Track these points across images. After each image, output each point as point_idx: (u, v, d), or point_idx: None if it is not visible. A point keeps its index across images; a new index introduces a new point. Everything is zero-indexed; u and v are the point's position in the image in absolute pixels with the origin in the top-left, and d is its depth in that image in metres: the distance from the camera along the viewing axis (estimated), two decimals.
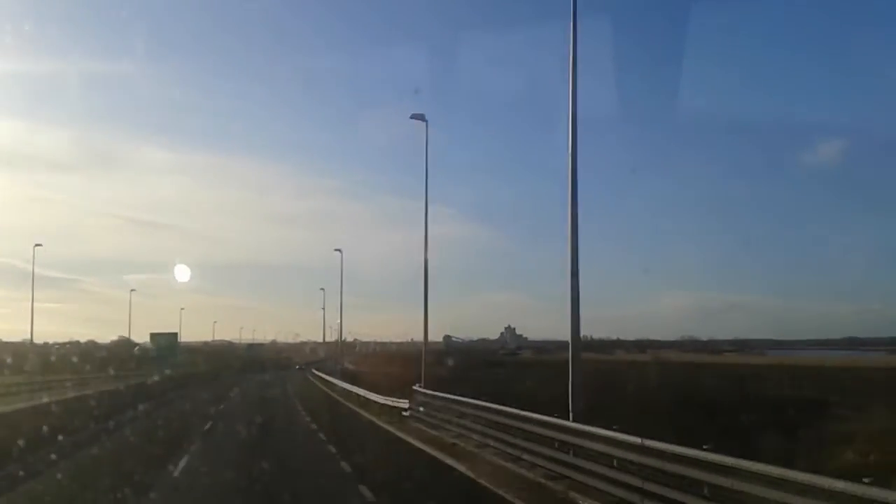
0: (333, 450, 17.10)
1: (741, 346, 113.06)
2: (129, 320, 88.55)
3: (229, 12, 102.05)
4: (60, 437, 16.13)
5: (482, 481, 13.05)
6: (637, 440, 9.81)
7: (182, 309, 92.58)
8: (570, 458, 12.10)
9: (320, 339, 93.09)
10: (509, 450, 14.88)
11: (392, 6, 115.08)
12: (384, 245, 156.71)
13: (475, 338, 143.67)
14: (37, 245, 62.30)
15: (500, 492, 12.04)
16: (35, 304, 65.88)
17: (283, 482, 12.86)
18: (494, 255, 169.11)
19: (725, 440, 10.33)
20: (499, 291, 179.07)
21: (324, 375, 54.33)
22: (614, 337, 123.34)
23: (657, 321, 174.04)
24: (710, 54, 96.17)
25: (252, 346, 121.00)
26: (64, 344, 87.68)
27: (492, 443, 16.14)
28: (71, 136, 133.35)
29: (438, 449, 17.26)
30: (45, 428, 15.99)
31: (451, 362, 69.00)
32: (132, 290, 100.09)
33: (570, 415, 13.74)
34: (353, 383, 38.42)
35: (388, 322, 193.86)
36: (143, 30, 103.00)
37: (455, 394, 20.51)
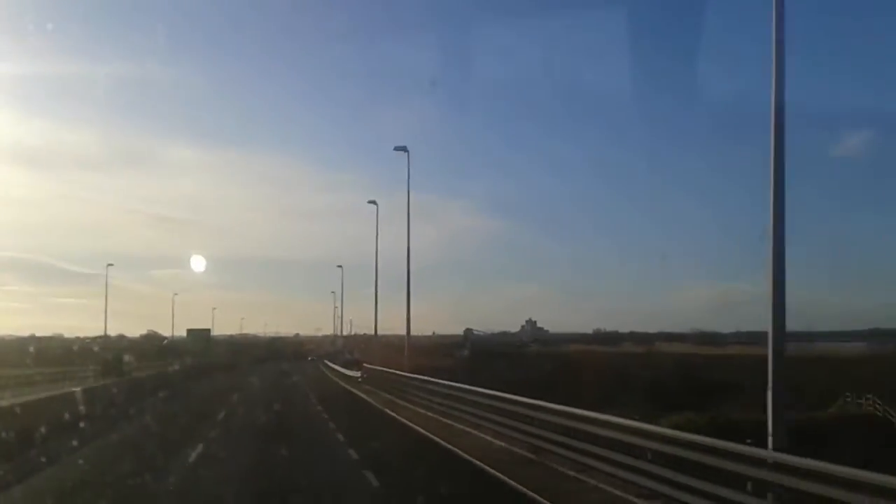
0: (310, 393, 34.49)
1: (754, 338, 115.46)
2: (172, 315, 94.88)
3: (251, 8, 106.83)
4: (82, 424, 17.72)
5: (390, 411, 23.25)
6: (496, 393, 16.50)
7: (214, 309, 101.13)
8: (454, 401, 19.31)
9: (341, 333, 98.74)
10: (423, 401, 22.10)
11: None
12: (404, 240, 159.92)
13: (496, 331, 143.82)
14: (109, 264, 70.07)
15: (403, 419, 21.59)
16: (63, 299, 71.50)
17: (284, 412, 25.03)
18: (518, 248, 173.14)
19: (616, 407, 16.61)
20: (521, 284, 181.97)
21: (329, 363, 67.16)
22: (634, 330, 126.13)
23: (680, 313, 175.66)
24: (736, 39, 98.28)
25: (275, 340, 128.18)
26: (95, 338, 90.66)
27: (409, 398, 23.90)
28: (97, 135, 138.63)
29: (362, 392, 32.19)
30: (66, 415, 17.71)
31: (464, 353, 75.70)
32: (157, 286, 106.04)
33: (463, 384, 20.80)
34: (345, 367, 46.71)
35: (413, 315, 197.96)
36: (166, 27, 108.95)
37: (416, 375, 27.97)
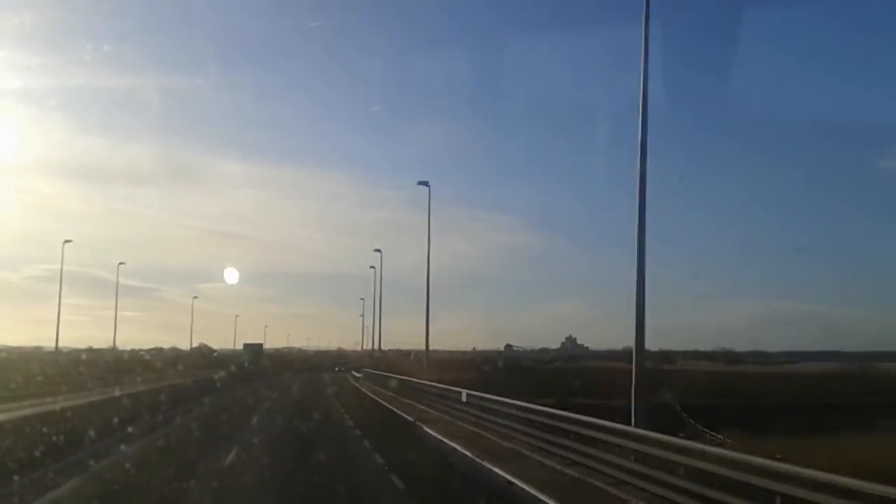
0: (329, 388, 50.83)
1: (792, 357, 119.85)
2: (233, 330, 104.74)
3: (296, 30, 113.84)
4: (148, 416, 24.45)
5: (383, 401, 33.29)
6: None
7: (266, 326, 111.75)
8: (428, 395, 29.05)
9: (380, 348, 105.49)
10: (412, 397, 31.49)
11: (450, 14, 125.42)
12: (449, 255, 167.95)
13: (537, 347, 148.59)
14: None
15: (392, 407, 32.62)
16: (117, 312, 79.73)
17: (309, 395, 40.08)
18: (559, 264, 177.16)
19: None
20: (562, 301, 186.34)
21: (353, 372, 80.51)
22: (676, 348, 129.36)
23: (728, 332, 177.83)
24: (768, 51, 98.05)
25: (318, 353, 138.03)
26: (149, 350, 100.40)
27: (403, 396, 33.53)
28: (149, 151, 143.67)
29: (363, 387, 46.55)
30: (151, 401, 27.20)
31: (499, 365, 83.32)
32: (194, 297, 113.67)
33: (464, 394, 29.75)
34: (357, 372, 58.75)
35: (453, 331, 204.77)
36: (216, 46, 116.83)
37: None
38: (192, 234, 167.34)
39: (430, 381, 36.45)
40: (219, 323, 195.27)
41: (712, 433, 29.17)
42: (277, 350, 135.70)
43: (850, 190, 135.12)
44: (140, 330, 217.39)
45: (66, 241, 67.44)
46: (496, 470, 15.98)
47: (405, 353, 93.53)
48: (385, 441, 21.01)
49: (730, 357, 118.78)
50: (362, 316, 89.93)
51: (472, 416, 24.11)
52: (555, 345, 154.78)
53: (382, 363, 64.11)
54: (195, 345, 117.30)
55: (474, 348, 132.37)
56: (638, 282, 17.22)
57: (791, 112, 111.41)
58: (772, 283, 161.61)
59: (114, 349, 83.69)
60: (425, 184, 41.97)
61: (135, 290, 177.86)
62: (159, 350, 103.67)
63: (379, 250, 62.37)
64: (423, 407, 31.65)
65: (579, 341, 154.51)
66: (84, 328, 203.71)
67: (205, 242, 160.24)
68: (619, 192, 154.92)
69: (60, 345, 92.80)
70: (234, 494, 13.59)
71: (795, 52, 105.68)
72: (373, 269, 64.07)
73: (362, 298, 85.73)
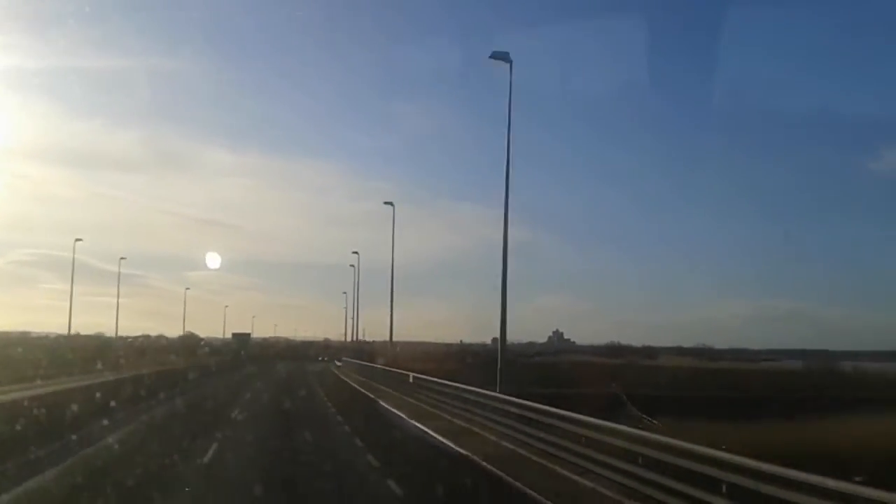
0: (310, 374, 54.88)
1: (776, 355, 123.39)
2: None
3: (294, 14, 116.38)
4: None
5: (352, 382, 39.99)
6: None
7: (253, 317, 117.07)
8: (390, 377, 34.23)
9: (368, 339, 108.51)
10: (376, 380, 37.41)
11: (439, 3, 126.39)
12: (438, 247, 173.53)
13: (524, 340, 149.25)
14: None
15: (357, 386, 39.90)
16: (102, 298, 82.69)
17: (292, 377, 48.50)
18: (547, 258, 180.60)
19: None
20: (551, 295, 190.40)
21: (335, 361, 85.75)
22: (672, 344, 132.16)
23: (716, 329, 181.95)
24: (765, 45, 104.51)
25: (305, 344, 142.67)
26: (136, 337, 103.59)
27: (369, 379, 39.16)
28: (138, 137, 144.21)
29: (338, 371, 51.68)
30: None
31: (469, 360, 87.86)
32: (187, 288, 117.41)
33: (411, 375, 35.30)
34: (337, 361, 70.16)
35: (441, 322, 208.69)
36: (209, 32, 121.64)
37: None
38: (180, 221, 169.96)
39: (400, 369, 42.36)
40: (205, 311, 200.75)
41: (649, 418, 34.32)
42: (265, 339, 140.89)
43: (840, 189, 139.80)
44: (125, 317, 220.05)
45: (77, 240, 71.39)
46: (417, 424, 23.96)
47: (393, 344, 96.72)
48: (344, 406, 29.98)
49: (710, 354, 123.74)
50: (346, 308, 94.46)
51: (416, 392, 32.13)
52: (542, 339, 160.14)
53: (364, 353, 68.79)
54: (181, 333, 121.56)
55: (461, 341, 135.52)
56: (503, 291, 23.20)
57: (781, 109, 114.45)
58: (762, 281, 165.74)
59: (121, 337, 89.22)
60: (390, 204, 47.53)
61: (122, 277, 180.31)
62: (147, 337, 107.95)
63: (356, 252, 68.45)
64: (381, 386, 39.98)
65: (566, 336, 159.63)
66: (66, 314, 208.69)
67: (192, 230, 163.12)
68: (605, 186, 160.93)
69: (49, 330, 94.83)
70: (249, 425, 23.93)
71: (783, 49, 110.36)
72: (357, 261, 68.62)
73: (345, 292, 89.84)
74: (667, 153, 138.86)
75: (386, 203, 47.02)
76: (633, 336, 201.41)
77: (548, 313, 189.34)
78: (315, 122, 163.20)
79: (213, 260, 77.56)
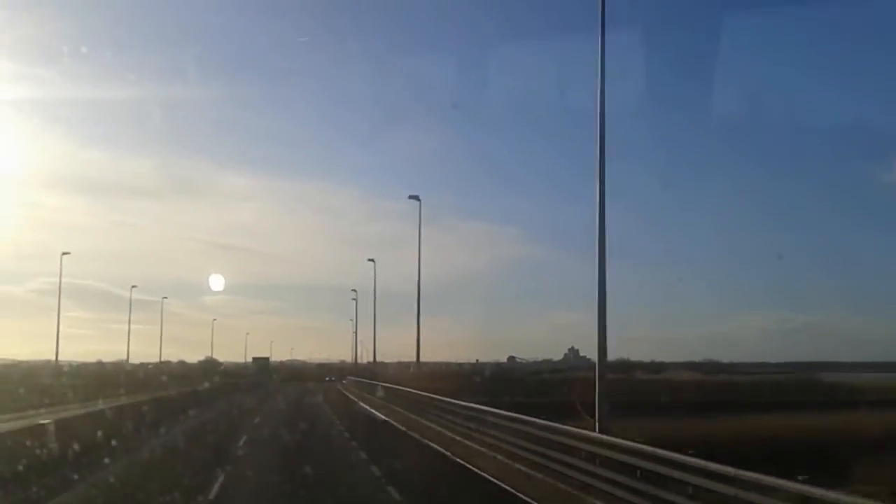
0: (317, 388, 68.83)
1: (786, 368, 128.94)
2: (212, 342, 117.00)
3: (298, 36, 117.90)
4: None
5: (356, 400, 54.74)
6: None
7: (272, 342, 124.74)
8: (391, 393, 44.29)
9: (382, 360, 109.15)
10: (366, 391, 47.18)
11: (443, 18, 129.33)
12: (451, 266, 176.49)
13: (540, 358, 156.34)
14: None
15: (349, 395, 54.09)
16: (121, 325, 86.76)
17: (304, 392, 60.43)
18: (562, 275, 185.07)
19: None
20: (566, 312, 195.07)
21: (342, 381, 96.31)
22: (680, 360, 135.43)
23: (732, 343, 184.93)
24: (769, 55, 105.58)
25: (321, 366, 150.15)
26: (157, 363, 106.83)
27: (365, 392, 48.79)
28: (153, 164, 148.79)
29: (341, 387, 62.11)
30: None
31: (476, 378, 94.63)
32: (214, 319, 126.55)
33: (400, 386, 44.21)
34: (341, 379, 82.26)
35: (456, 342, 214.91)
36: (219, 59, 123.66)
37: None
38: (196, 246, 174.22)
39: (398, 385, 51.91)
40: (222, 335, 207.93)
41: (590, 417, 42.13)
42: (282, 363, 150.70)
43: (852, 200, 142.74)
44: (145, 343, 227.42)
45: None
46: (380, 415, 37.53)
47: (405, 366, 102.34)
48: (336, 406, 45.28)
49: (716, 368, 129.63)
50: (355, 333, 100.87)
51: (388, 398, 45.29)
52: (558, 356, 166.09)
53: (367, 372, 77.05)
54: (201, 358, 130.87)
55: (477, 360, 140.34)
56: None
57: (788, 119, 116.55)
58: (780, 294, 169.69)
59: (142, 364, 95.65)
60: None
61: (139, 304, 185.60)
62: (167, 363, 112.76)
63: (355, 287, 79.16)
64: (367, 395, 54.10)
65: (582, 353, 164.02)
66: (90, 342, 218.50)
67: (208, 255, 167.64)
68: (612, 201, 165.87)
69: (69, 358, 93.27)
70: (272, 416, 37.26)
71: (780, 58, 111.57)
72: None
73: (351, 320, 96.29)
74: (671, 166, 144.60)
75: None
76: (649, 352, 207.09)
77: (564, 330, 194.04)
78: (325, 144, 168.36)
79: (218, 282, 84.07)
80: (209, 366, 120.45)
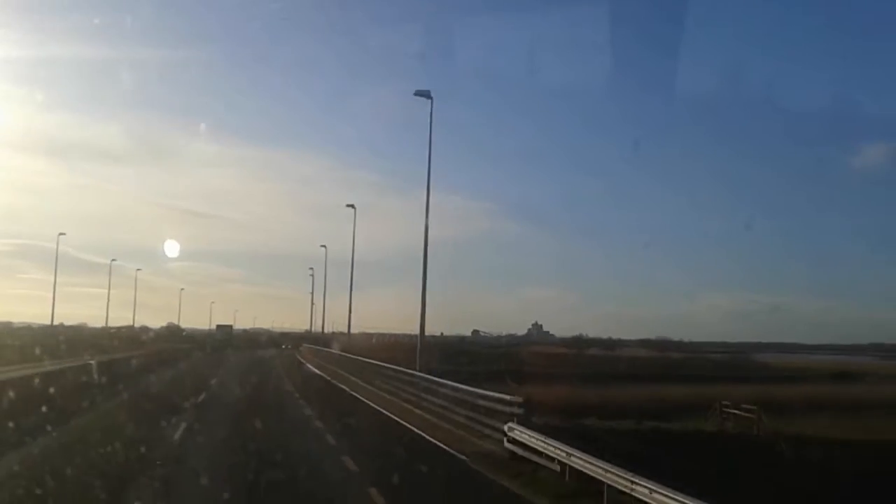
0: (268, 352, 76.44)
1: (745, 348, 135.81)
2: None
3: (277, 8, 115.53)
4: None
5: (304, 362, 66.15)
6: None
7: (236, 311, 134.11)
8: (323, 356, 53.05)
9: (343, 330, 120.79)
10: (315, 355, 57.23)
11: None
12: (419, 240, 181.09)
13: (504, 333, 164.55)
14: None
15: (300, 358, 62.50)
16: (85, 289, 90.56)
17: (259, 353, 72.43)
18: (531, 251, 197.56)
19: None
20: (532, 287, 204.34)
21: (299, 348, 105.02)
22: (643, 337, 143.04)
23: (695, 322, 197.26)
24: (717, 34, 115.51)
25: (284, 335, 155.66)
26: (119, 328, 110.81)
27: (315, 357, 59.04)
28: (123, 128, 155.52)
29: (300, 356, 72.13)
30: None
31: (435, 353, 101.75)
32: (182, 289, 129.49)
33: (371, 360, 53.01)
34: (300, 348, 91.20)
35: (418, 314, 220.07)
36: (194, 22, 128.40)
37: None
38: (163, 212, 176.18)
39: (352, 354, 61.03)
40: (187, 302, 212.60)
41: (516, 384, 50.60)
42: (245, 331, 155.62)
43: (820, 183, 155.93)
44: (108, 308, 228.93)
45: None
46: (317, 371, 48.78)
47: (368, 336, 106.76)
48: (286, 367, 55.94)
49: (667, 346, 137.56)
50: (312, 302, 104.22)
51: (330, 359, 55.81)
52: (522, 331, 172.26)
53: (321, 341, 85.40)
54: (163, 323, 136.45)
55: (442, 333, 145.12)
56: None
57: (757, 98, 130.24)
58: (748, 275, 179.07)
59: (105, 328, 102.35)
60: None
61: (102, 268, 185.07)
62: (130, 328, 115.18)
63: (324, 246, 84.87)
64: (316, 359, 64.82)
65: (545, 328, 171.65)
66: (48, 304, 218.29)
67: (176, 221, 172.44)
68: (584, 177, 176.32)
69: (29, 320, 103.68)
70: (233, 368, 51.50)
71: (752, 38, 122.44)
72: (325, 253, 79.25)
73: (311, 273, 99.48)
74: (642, 143, 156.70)
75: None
76: (613, 329, 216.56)
77: (530, 305, 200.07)
78: (300, 113, 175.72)
79: (172, 248, 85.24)
80: (172, 332, 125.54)
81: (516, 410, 17.18)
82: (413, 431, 21.49)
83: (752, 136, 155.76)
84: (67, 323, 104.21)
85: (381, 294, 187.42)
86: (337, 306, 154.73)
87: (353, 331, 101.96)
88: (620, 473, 11.37)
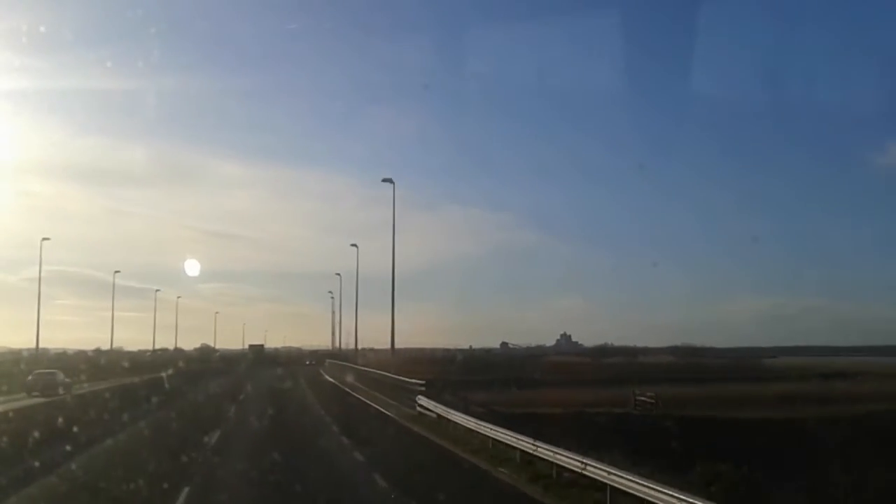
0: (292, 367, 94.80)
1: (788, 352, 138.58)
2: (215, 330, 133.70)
3: (291, 26, 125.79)
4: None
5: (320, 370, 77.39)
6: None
7: (266, 331, 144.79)
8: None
9: (377, 347, 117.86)
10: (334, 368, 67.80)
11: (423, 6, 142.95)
12: (447, 253, 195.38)
13: (533, 344, 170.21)
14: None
15: (320, 370, 77.72)
16: (116, 312, 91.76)
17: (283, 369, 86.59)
18: (555, 262, 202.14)
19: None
20: (559, 298, 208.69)
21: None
22: (677, 343, 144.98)
23: (726, 327, 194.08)
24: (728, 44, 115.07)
25: (312, 353, 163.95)
26: (155, 350, 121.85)
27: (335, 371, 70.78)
28: (148, 152, 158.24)
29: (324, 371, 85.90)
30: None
31: (458, 359, 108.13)
32: (217, 313, 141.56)
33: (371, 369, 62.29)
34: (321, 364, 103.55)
35: (450, 329, 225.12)
36: (211, 49, 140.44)
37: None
38: (190, 234, 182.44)
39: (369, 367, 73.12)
40: (218, 323, 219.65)
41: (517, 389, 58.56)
42: (277, 350, 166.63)
43: (848, 185, 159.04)
44: (139, 331, 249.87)
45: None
46: (332, 379, 61.22)
47: (374, 351, 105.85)
48: (306, 377, 69.50)
49: (688, 351, 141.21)
50: (337, 316, 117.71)
51: (342, 370, 66.11)
52: (552, 341, 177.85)
53: (340, 357, 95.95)
54: (197, 345, 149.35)
55: (471, 346, 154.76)
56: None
57: (778, 103, 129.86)
58: (776, 279, 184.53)
59: (141, 351, 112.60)
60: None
61: (134, 291, 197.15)
62: (165, 350, 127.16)
63: (338, 274, 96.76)
64: (336, 372, 73.93)
65: (574, 338, 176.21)
66: (84, 329, 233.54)
67: (203, 243, 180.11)
68: (595, 187, 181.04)
69: (62, 346, 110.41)
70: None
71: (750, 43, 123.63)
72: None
73: (332, 306, 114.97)
74: (650, 152, 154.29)
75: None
76: (644, 337, 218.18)
77: (558, 315, 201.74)
78: (317, 133, 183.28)
79: (193, 267, 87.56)
80: (205, 353, 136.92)
81: (421, 389, 30.34)
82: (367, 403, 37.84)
83: (777, 136, 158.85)
84: (103, 348, 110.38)
85: (413, 309, 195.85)
86: (369, 322, 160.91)
87: (376, 346, 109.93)
88: (459, 417, 23.62)
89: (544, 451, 17.11)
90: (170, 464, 18.15)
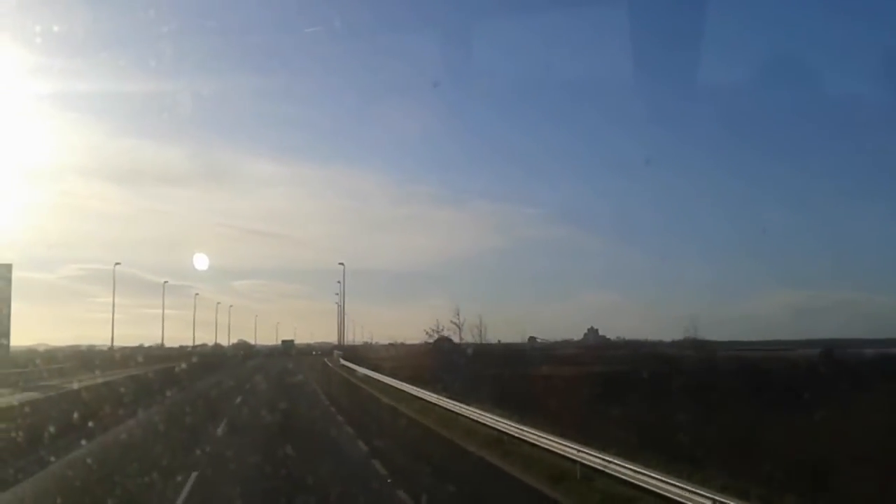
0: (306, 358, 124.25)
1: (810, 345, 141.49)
2: (256, 327, 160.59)
3: (334, 23, 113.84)
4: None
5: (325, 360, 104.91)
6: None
7: (295, 328, 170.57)
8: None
9: (409, 342, 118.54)
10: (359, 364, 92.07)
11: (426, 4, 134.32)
12: (476, 248, 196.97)
13: (559, 339, 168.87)
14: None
15: (328, 362, 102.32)
16: (152, 310, 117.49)
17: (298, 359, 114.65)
18: (583, 255, 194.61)
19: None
20: (587, 292, 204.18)
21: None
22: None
23: (761, 321, 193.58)
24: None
25: (347, 347, 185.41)
26: (194, 346, 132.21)
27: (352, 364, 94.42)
28: (184, 152, 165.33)
29: (334, 365, 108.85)
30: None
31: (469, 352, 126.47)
32: (256, 316, 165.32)
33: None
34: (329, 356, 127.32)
35: (479, 325, 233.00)
36: (245, 49, 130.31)
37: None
38: (227, 232, 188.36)
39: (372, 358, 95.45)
40: (252, 319, 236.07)
41: None
42: (309, 345, 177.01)
43: (882, 175, 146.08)
44: (177, 328, 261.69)
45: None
46: (341, 371, 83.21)
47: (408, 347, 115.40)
48: (310, 365, 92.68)
49: (704, 345, 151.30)
50: (342, 311, 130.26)
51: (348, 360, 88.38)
52: (579, 336, 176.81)
53: (349, 350, 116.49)
54: (234, 341, 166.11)
55: (499, 341, 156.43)
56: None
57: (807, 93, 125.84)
58: (811, 271, 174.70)
59: (181, 346, 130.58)
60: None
61: (171, 289, 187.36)
62: (204, 345, 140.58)
63: (342, 264, 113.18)
64: (337, 359, 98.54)
65: (602, 332, 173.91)
66: (124, 326, 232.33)
67: (238, 240, 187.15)
68: (620, 179, 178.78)
69: (101, 342, 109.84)
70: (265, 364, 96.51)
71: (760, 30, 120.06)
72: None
73: (337, 302, 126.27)
74: (672, 143, 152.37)
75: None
76: (670, 331, 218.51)
77: (585, 310, 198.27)
78: (350, 130, 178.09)
79: (202, 261, 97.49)
80: (241, 349, 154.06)
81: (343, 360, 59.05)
82: (339, 373, 62.00)
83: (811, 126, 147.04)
84: (140, 344, 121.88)
85: (436, 303, 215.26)
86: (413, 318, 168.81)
87: (396, 340, 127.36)
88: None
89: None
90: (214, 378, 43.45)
